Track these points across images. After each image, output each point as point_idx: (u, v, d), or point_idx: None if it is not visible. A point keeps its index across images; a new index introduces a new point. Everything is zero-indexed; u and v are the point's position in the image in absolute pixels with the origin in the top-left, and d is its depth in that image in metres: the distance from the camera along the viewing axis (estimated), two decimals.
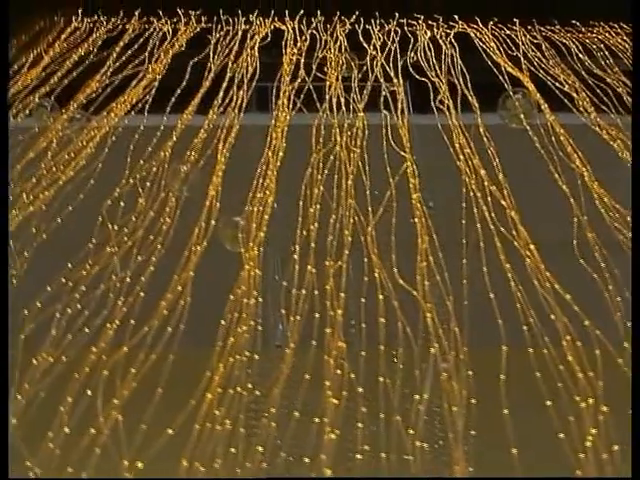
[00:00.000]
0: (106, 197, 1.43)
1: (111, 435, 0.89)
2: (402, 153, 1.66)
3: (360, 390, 1.10)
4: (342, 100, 1.83)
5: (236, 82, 1.87)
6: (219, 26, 2.24)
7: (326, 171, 1.49)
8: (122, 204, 1.35)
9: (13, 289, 1.20)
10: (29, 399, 1.04)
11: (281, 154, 1.58)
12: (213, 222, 1.29)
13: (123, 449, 0.90)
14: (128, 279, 1.24)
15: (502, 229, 1.40)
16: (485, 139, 1.66)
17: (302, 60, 2.01)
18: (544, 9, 2.33)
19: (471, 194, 1.52)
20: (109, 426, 0.89)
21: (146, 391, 0.98)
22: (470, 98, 1.85)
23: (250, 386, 1.07)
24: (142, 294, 1.15)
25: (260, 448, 0.94)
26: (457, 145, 1.67)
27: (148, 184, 1.47)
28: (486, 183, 1.53)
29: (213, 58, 2.01)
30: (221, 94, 1.83)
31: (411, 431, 1.06)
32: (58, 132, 1.56)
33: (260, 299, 1.19)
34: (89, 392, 1.05)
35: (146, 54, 2.01)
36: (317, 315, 1.13)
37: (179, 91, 1.89)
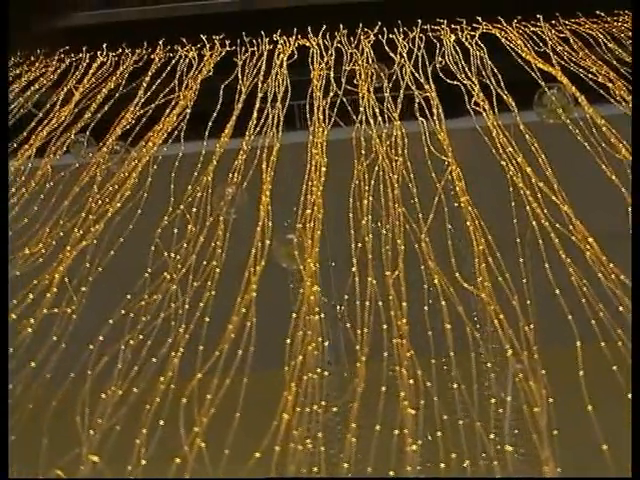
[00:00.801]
0: (155, 226, 1.42)
1: (197, 463, 0.88)
2: (444, 158, 1.64)
3: (435, 399, 1.09)
4: (377, 111, 1.83)
5: (269, 102, 1.86)
6: (243, 48, 2.24)
7: (372, 182, 1.48)
8: (174, 231, 1.34)
9: (74, 325, 1.19)
10: (104, 434, 1.03)
11: (323, 169, 1.57)
12: (268, 242, 1.28)
13: (209, 476, 0.89)
14: (187, 306, 1.24)
15: (557, 225, 1.38)
16: (527, 136, 1.64)
17: (331, 75, 2.01)
18: (566, 2, 2.31)
19: (519, 192, 1.51)
20: (194, 454, 0.88)
21: (224, 416, 0.96)
22: (505, 97, 1.83)
23: (324, 403, 1.05)
24: (207, 319, 1.14)
25: (345, 465, 0.92)
26: (499, 145, 1.65)
27: (194, 210, 1.47)
28: (534, 180, 1.51)
29: (242, 80, 2.01)
30: (255, 114, 1.82)
31: (492, 435, 1.05)
32: (100, 165, 1.56)
33: (323, 315, 1.17)
34: (161, 422, 1.04)
35: (175, 82, 2.01)
36: (385, 326, 1.12)
37: (214, 115, 1.88)
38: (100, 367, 1.12)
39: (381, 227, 1.38)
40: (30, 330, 1.07)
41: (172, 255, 1.27)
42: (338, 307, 1.28)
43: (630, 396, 1.03)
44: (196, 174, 1.57)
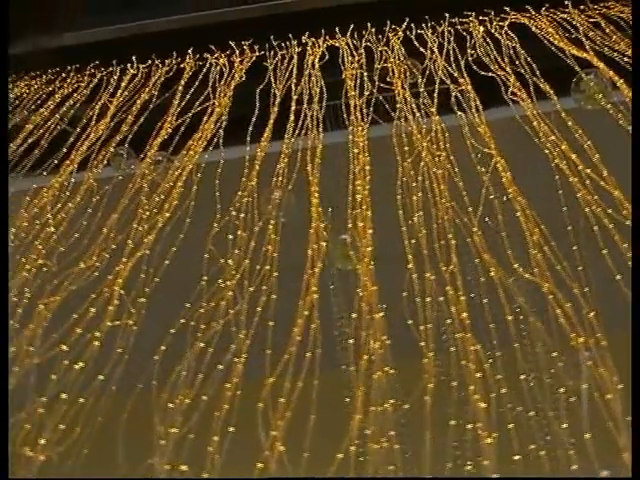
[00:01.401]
0: (205, 233, 1.42)
1: (279, 466, 0.88)
2: (486, 150, 1.63)
3: (504, 390, 1.08)
4: (414, 106, 1.82)
5: (305, 103, 1.86)
6: (272, 52, 2.24)
7: (420, 177, 1.48)
8: (226, 237, 1.34)
9: (135, 339, 1.20)
10: (177, 442, 1.03)
11: (367, 167, 1.57)
12: (323, 243, 1.28)
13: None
14: (246, 311, 1.24)
15: (609, 210, 1.37)
16: (570, 123, 1.63)
17: (364, 73, 2.00)
18: None
19: (567, 180, 1.49)
20: (275, 458, 0.88)
21: (297, 419, 0.96)
22: (542, 85, 1.82)
23: (392, 401, 1.05)
24: (271, 323, 1.14)
25: (426, 462, 0.92)
26: (541, 133, 1.64)
27: (243, 215, 1.47)
28: (580, 167, 1.50)
29: (275, 83, 2.01)
30: (292, 117, 1.82)
31: (564, 425, 1.04)
32: (145, 176, 1.56)
33: (383, 313, 1.17)
34: (231, 429, 1.04)
35: (209, 89, 2.01)
36: (449, 321, 1.11)
37: (250, 120, 1.88)
38: (165, 376, 1.12)
39: (432, 222, 1.37)
40: (97, 343, 1.07)
41: (226, 261, 1.27)
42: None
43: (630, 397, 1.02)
44: (241, 179, 1.57)
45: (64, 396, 0.97)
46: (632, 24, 2.00)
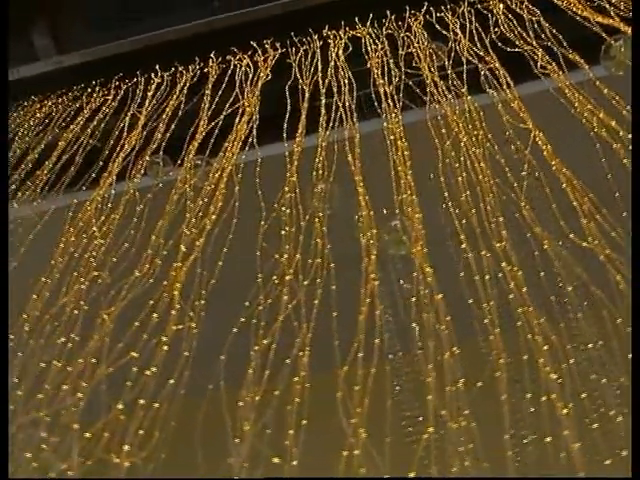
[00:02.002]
0: (253, 232, 1.43)
1: (363, 452, 0.88)
2: (523, 125, 1.63)
3: (572, 361, 1.08)
4: (444, 88, 1.82)
5: (335, 95, 1.86)
6: (294, 49, 2.24)
7: (462, 158, 1.48)
8: (278, 232, 1.35)
9: (198, 341, 1.20)
10: (253, 439, 1.04)
11: (407, 153, 1.57)
12: (375, 231, 1.28)
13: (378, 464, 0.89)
14: (303, 303, 1.24)
15: None
16: (606, 91, 1.62)
17: (390, 61, 2.00)
18: None
19: (610, 147, 1.49)
20: (359, 444, 0.88)
21: (375, 405, 0.96)
22: (571, 56, 1.81)
23: (463, 380, 1.05)
24: (335, 314, 1.15)
25: (506, 437, 0.92)
26: (576, 104, 1.64)
27: (288, 211, 1.47)
28: (621, 133, 1.49)
29: (302, 79, 2.01)
30: (323, 110, 1.83)
31: None
32: (187, 181, 1.57)
33: (442, 295, 1.17)
34: (304, 422, 1.05)
35: (237, 90, 2.02)
36: (511, 296, 1.11)
37: (280, 117, 1.88)
38: (233, 376, 1.12)
39: (479, 201, 1.37)
40: (166, 348, 1.08)
41: (281, 257, 1.28)
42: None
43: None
44: (281, 176, 1.58)
45: (141, 401, 0.98)
46: (632, 24, 1.97)
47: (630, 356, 1.03)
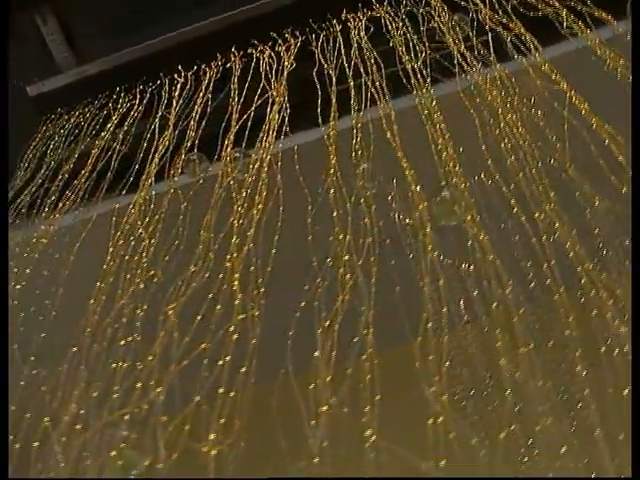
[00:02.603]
0: (301, 217, 1.43)
1: (448, 419, 0.88)
2: (556, 87, 1.62)
3: None
4: (472, 59, 1.81)
5: (363, 75, 1.86)
6: (314, 35, 2.24)
7: (501, 124, 1.47)
8: (329, 214, 1.35)
9: (262, 329, 1.21)
10: (328, 420, 1.05)
11: (444, 125, 1.57)
12: (425, 204, 1.28)
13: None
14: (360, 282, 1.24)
15: None
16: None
17: (414, 37, 2.00)
18: None
19: None
20: (443, 411, 0.88)
21: (451, 373, 0.97)
22: (597, 13, 1.80)
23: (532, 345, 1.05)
24: (398, 288, 1.15)
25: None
26: (607, 60, 1.63)
27: (332, 194, 1.47)
28: None
29: (327, 63, 2.01)
30: (353, 92, 1.83)
31: None
32: (228, 174, 1.58)
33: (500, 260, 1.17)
34: (377, 397, 1.05)
35: (263, 82, 2.02)
36: (571, 254, 1.11)
37: (309, 104, 1.89)
38: (301, 359, 1.13)
39: (524, 165, 1.37)
40: (236, 336, 1.09)
41: (339, 237, 1.28)
42: None
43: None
44: (320, 161, 1.58)
45: (220, 390, 0.99)
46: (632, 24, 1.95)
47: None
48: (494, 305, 1.09)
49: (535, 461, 0.96)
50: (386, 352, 1.11)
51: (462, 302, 1.08)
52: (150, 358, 1.10)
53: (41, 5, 2.64)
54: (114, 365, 1.13)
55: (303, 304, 1.23)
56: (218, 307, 1.16)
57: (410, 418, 0.93)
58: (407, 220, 1.33)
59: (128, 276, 1.45)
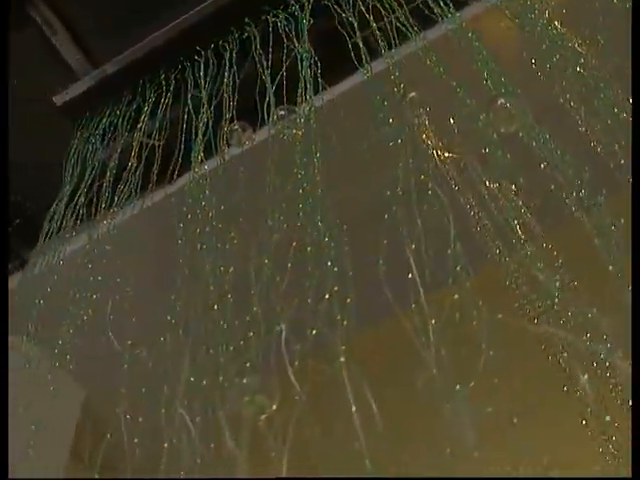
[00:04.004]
0: (361, 159, 1.46)
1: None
2: None
3: None
4: None
5: (384, 17, 1.87)
6: None
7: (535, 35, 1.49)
8: (382, 153, 1.37)
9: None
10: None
11: (478, 43, 1.58)
12: (483, 115, 1.30)
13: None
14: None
15: None
16: None
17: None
18: None
19: None
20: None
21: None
22: None
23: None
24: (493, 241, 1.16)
25: None
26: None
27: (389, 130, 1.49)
28: None
29: (345, 13, 2.03)
30: (378, 32, 1.84)
31: None
32: (279, 132, 1.60)
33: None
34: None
35: (286, 43, 2.04)
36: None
37: (332, 59, 1.91)
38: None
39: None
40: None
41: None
42: None
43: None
44: (361, 107, 1.60)
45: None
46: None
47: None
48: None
49: None
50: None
51: None
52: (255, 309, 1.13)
53: (47, 15, 2.67)
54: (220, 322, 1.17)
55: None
56: (307, 250, 1.19)
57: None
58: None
59: (204, 246, 1.48)
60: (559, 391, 0.93)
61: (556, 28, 1.44)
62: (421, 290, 1.08)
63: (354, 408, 0.85)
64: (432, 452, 0.90)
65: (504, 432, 0.88)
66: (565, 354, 0.91)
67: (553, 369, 0.89)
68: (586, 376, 0.83)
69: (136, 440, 1.21)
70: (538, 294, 1.00)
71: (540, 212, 1.13)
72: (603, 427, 0.90)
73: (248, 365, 1.01)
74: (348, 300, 1.18)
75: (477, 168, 1.33)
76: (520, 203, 1.17)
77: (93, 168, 2.11)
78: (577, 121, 1.31)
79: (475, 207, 1.32)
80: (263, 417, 1.03)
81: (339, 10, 2.07)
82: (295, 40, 2.05)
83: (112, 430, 1.22)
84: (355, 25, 1.95)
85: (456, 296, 0.96)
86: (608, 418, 0.85)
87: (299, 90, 1.75)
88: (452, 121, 1.33)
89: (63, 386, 1.51)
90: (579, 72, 1.43)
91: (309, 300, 1.10)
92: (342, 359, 0.91)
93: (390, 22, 1.84)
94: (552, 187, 1.15)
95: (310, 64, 1.89)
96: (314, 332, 1.00)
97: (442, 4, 1.84)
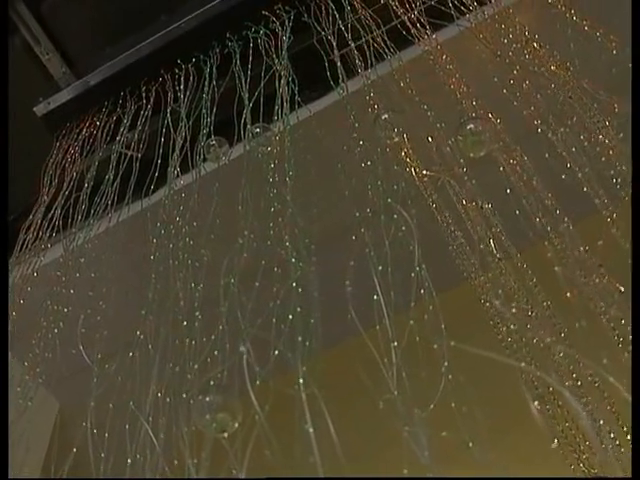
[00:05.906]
0: (336, 176, 1.47)
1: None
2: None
3: None
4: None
5: (363, 37, 1.89)
6: (304, 7, 2.26)
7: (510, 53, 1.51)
8: (356, 170, 1.39)
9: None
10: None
11: (451, 67, 1.60)
12: (453, 139, 1.32)
13: None
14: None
15: None
16: None
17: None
18: None
19: None
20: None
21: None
22: None
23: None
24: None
25: None
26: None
27: (360, 148, 1.51)
28: None
29: (324, 30, 2.04)
30: (356, 52, 1.86)
31: None
32: (252, 150, 1.62)
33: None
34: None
35: (265, 59, 2.06)
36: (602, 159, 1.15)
37: (314, 74, 1.92)
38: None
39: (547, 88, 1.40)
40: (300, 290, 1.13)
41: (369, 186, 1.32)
42: None
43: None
44: (337, 123, 1.61)
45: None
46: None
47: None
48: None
49: None
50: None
51: None
52: (221, 327, 1.14)
53: (30, 25, 2.68)
54: (187, 340, 1.18)
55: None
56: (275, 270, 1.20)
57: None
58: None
59: (176, 262, 1.49)
60: (515, 417, 0.94)
61: (529, 53, 1.46)
62: (385, 311, 1.09)
63: (311, 430, 0.86)
64: (390, 472, 0.92)
65: (458, 456, 0.90)
66: (521, 382, 0.93)
67: (510, 395, 0.91)
68: (536, 403, 0.85)
69: (102, 455, 1.21)
70: (499, 321, 1.02)
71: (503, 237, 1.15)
72: (553, 452, 0.92)
73: (212, 383, 1.02)
74: (312, 320, 1.19)
75: (454, 186, 1.35)
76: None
77: (71, 179, 2.12)
78: (545, 146, 1.33)
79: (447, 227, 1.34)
80: (225, 435, 1.04)
81: (318, 28, 2.09)
82: (274, 57, 2.07)
83: (80, 444, 1.23)
84: (334, 44, 1.97)
85: (412, 322, 0.97)
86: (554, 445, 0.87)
87: (276, 107, 1.77)
88: (429, 140, 1.35)
89: (37, 399, 1.50)
90: (552, 95, 1.46)
91: (273, 320, 1.11)
92: (301, 380, 0.92)
93: (367, 42, 1.86)
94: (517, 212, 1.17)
95: (288, 81, 1.91)
96: (276, 352, 1.01)
97: (419, 26, 1.86)
